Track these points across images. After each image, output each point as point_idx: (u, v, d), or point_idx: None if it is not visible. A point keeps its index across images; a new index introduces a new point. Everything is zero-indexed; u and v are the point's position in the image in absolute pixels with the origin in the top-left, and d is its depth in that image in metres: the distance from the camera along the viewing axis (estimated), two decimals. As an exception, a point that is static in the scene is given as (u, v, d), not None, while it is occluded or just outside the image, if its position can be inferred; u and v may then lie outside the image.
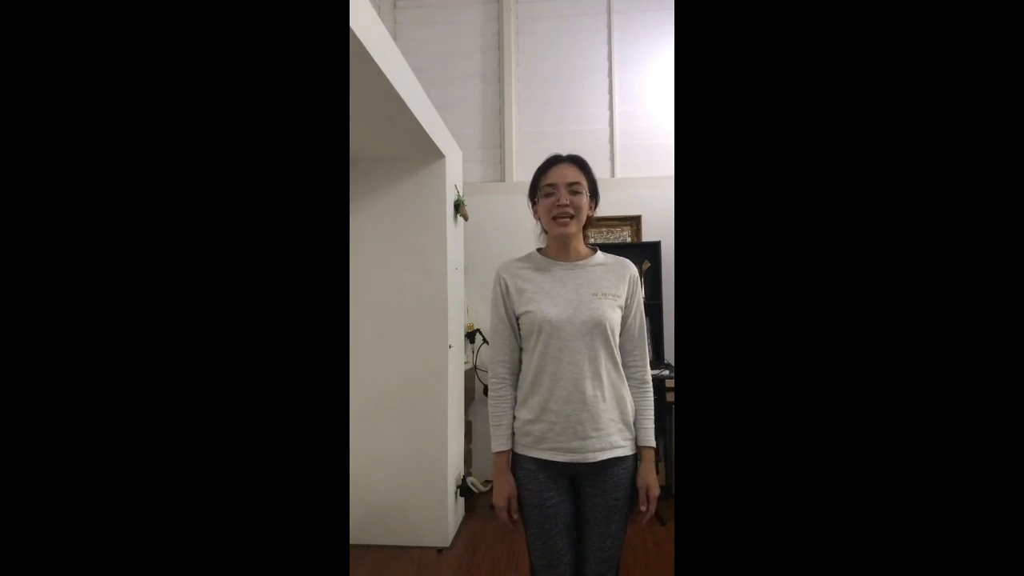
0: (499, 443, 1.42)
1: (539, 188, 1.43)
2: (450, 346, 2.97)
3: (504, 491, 1.39)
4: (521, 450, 1.40)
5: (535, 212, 1.47)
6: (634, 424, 1.41)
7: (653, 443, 1.40)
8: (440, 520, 2.90)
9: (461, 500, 3.17)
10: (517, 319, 1.43)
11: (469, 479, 3.23)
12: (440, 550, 2.84)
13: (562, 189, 1.38)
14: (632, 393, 1.43)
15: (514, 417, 1.42)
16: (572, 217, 1.39)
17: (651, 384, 1.46)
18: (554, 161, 1.44)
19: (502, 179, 4.11)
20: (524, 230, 3.65)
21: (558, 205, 1.38)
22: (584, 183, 1.40)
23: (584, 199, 1.40)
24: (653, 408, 1.45)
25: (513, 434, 1.42)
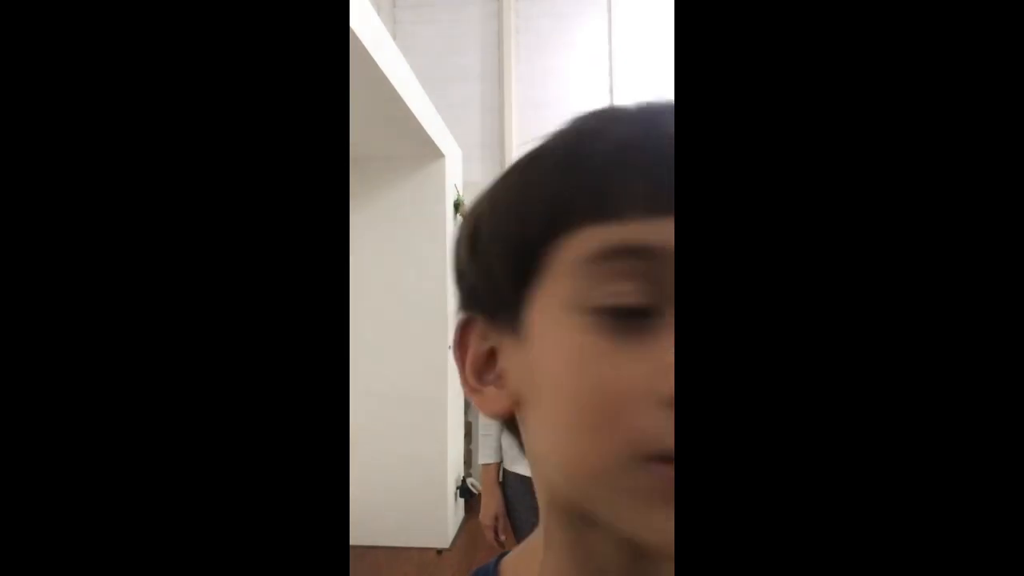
0: (488, 454, 1.35)
1: None
2: (450, 346, 2.97)
3: (492, 508, 1.33)
4: (509, 464, 1.33)
5: None
6: None
7: None
8: (440, 521, 2.90)
9: (461, 501, 3.16)
10: None
11: (469, 480, 3.22)
12: (440, 551, 2.84)
13: None
14: None
15: None
16: None
17: None
18: None
19: (502, 179, 4.11)
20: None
21: None
22: None
23: None
24: None
25: (500, 446, 1.36)
